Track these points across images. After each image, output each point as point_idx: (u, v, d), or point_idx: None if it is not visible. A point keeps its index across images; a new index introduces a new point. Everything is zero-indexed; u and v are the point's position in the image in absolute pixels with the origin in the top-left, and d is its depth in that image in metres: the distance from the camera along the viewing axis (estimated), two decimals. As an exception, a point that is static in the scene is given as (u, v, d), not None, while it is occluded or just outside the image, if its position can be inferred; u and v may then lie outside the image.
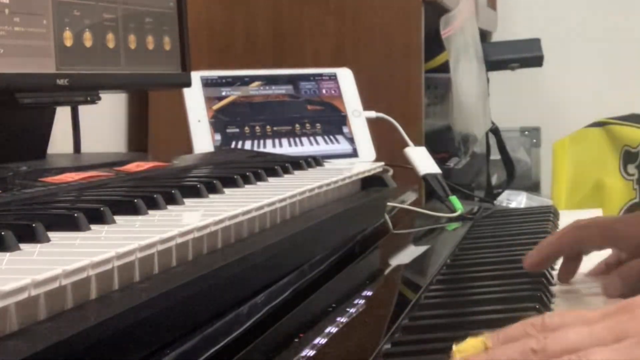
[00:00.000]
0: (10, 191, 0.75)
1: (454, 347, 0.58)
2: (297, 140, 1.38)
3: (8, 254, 0.54)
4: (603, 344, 0.54)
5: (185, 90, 1.31)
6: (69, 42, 1.02)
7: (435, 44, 1.74)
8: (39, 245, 0.57)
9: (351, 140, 1.41)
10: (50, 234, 0.59)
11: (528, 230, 1.19)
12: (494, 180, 2.15)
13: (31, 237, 0.57)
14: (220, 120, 1.34)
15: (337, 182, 0.95)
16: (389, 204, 1.15)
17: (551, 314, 0.58)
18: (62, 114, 1.22)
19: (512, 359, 0.55)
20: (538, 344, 0.55)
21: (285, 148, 1.36)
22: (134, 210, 0.69)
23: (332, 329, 0.70)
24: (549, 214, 1.29)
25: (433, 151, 1.44)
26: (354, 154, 1.40)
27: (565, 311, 0.59)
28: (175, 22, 1.20)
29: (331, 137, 1.40)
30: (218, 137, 1.32)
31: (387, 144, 1.42)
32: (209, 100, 1.35)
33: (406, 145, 1.40)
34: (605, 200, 2.32)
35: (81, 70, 1.04)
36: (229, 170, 0.94)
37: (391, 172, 1.24)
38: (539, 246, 0.92)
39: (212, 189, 0.81)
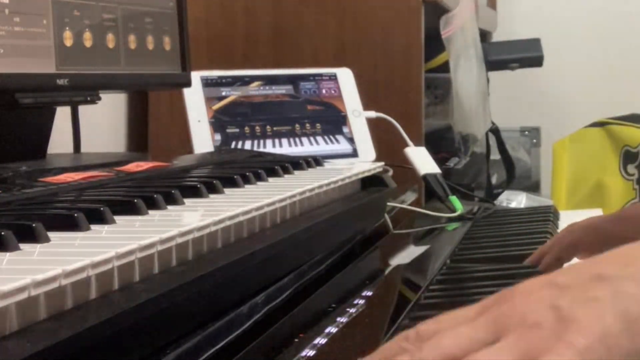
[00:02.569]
0: (10, 191, 0.75)
1: None
2: (297, 140, 1.38)
3: (8, 254, 0.54)
4: (483, 343, 0.49)
5: (185, 90, 1.31)
6: (69, 42, 1.02)
7: (435, 44, 1.74)
8: (39, 245, 0.57)
9: (351, 140, 1.41)
10: (50, 234, 0.59)
11: (528, 230, 1.19)
12: (494, 180, 2.15)
13: (31, 237, 0.57)
14: (220, 120, 1.34)
15: (337, 182, 0.95)
16: (389, 204, 1.15)
17: (427, 321, 0.52)
18: (62, 114, 1.22)
19: None
20: (413, 357, 0.49)
21: (285, 148, 1.36)
22: (134, 210, 0.69)
23: (332, 329, 0.70)
24: (549, 214, 1.29)
25: (433, 151, 1.44)
26: (354, 154, 1.40)
27: (441, 315, 0.52)
28: (175, 22, 1.20)
29: (331, 137, 1.40)
30: (218, 137, 1.32)
31: (387, 144, 1.42)
32: (209, 100, 1.35)
33: (406, 145, 1.40)
34: (605, 200, 2.32)
35: (81, 70, 1.04)
36: (229, 170, 0.94)
37: (391, 172, 1.24)
38: (537, 255, 0.94)
39: (212, 189, 0.81)
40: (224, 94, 1.37)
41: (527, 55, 2.38)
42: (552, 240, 0.96)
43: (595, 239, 0.92)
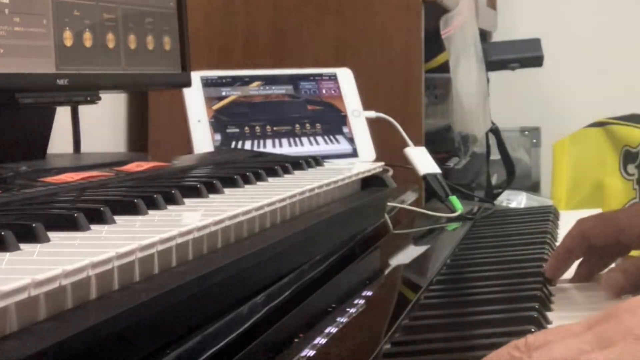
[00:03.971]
0: (10, 191, 0.75)
1: None
2: (297, 140, 1.38)
3: (8, 254, 0.54)
4: (590, 352, 0.52)
5: (185, 90, 1.31)
6: (69, 42, 1.02)
7: (435, 44, 1.74)
8: (39, 245, 0.57)
9: (351, 140, 1.41)
10: (50, 234, 0.59)
11: (528, 230, 1.19)
12: (494, 180, 2.15)
13: (31, 237, 0.57)
14: (220, 120, 1.34)
15: (337, 182, 0.95)
16: (389, 204, 1.15)
17: (535, 333, 0.56)
18: (62, 114, 1.22)
19: None
20: None
21: (285, 148, 1.36)
22: (134, 210, 0.69)
23: (332, 329, 0.70)
24: (549, 214, 1.29)
25: (433, 151, 1.44)
26: (354, 154, 1.40)
27: (549, 329, 0.57)
28: (175, 22, 1.20)
29: (331, 137, 1.40)
30: (218, 137, 1.32)
31: (387, 144, 1.42)
32: (209, 100, 1.35)
33: (406, 145, 1.40)
34: (605, 200, 2.32)
35: (81, 70, 1.04)
36: (229, 170, 0.94)
37: (391, 172, 1.24)
38: (552, 253, 0.93)
39: (212, 189, 0.81)
40: (224, 94, 1.37)
41: (527, 55, 2.38)
42: (563, 240, 0.95)
43: (608, 228, 0.91)
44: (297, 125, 1.39)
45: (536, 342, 0.54)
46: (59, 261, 0.51)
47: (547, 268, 0.91)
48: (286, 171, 0.98)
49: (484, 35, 2.56)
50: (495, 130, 2.11)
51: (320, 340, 0.66)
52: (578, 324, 0.56)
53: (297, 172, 1.00)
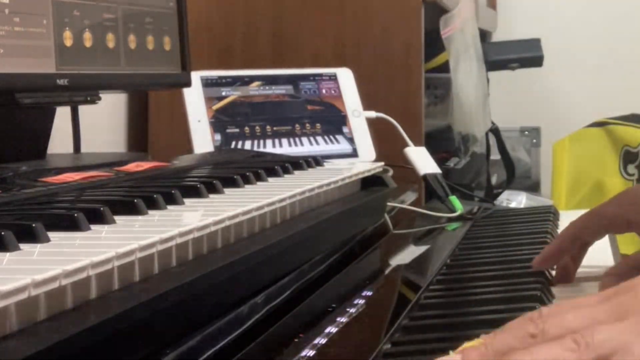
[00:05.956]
0: (10, 191, 0.75)
1: (452, 352, 0.56)
2: (297, 140, 1.38)
3: (8, 254, 0.54)
4: (605, 323, 0.52)
5: (185, 90, 1.31)
6: (69, 42, 1.02)
7: (435, 44, 1.74)
8: (39, 245, 0.57)
9: (351, 140, 1.41)
10: (50, 234, 0.58)
11: (528, 230, 1.19)
12: (494, 180, 2.15)
13: (31, 237, 0.57)
14: (220, 120, 1.34)
15: (337, 182, 0.95)
16: (389, 204, 1.15)
17: (549, 305, 0.56)
18: (62, 114, 1.22)
19: (510, 345, 0.53)
20: (536, 328, 0.53)
21: (285, 148, 1.36)
22: (134, 210, 0.69)
23: (332, 329, 0.70)
24: (549, 214, 1.29)
25: (433, 151, 1.44)
26: (354, 154, 1.40)
27: (563, 301, 0.56)
28: (175, 22, 1.20)
29: (331, 137, 1.40)
30: (218, 137, 1.32)
31: (387, 144, 1.42)
32: (209, 100, 1.35)
33: (406, 145, 1.40)
34: (605, 200, 2.32)
35: (81, 70, 1.04)
36: (229, 170, 0.94)
37: (391, 172, 1.24)
38: (543, 256, 0.94)
39: (212, 189, 0.81)
40: (224, 94, 1.37)
41: (527, 55, 2.38)
42: (556, 238, 0.96)
43: (598, 225, 0.92)
44: (297, 125, 1.39)
45: (550, 312, 0.54)
46: (59, 261, 0.51)
47: (535, 261, 0.92)
48: (286, 171, 0.98)
49: (484, 35, 2.56)
50: (495, 130, 2.11)
51: (320, 340, 0.66)
52: (594, 296, 0.56)
53: (297, 172, 1.00)
